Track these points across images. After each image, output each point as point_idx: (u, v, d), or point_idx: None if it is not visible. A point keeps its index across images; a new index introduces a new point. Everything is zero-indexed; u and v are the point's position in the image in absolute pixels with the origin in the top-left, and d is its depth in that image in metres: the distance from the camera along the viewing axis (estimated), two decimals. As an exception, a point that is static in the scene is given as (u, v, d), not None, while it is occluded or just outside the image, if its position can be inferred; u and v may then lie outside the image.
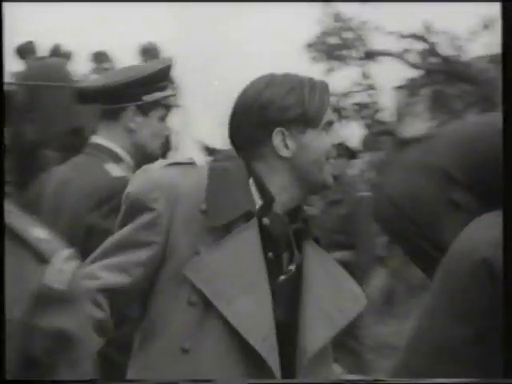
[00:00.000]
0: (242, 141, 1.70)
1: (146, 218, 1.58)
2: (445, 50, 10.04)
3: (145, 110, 2.38)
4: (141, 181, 1.64)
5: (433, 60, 10.08)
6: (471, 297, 1.49)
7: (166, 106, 2.45)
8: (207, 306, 1.54)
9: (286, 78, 1.69)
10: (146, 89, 2.37)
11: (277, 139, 1.65)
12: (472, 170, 2.46)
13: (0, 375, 1.71)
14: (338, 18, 10.87)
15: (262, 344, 1.53)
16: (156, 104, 2.40)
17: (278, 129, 1.65)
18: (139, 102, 2.36)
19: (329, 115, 1.69)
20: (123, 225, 1.63)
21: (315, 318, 1.62)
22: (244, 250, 1.59)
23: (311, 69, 11.07)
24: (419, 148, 2.65)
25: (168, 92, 2.45)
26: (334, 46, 10.95)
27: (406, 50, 10.24)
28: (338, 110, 10.67)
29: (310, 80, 1.70)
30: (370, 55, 10.58)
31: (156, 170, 1.64)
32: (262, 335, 1.54)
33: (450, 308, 1.53)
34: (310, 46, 11.08)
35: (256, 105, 1.66)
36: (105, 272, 1.57)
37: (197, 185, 1.60)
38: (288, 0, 6.29)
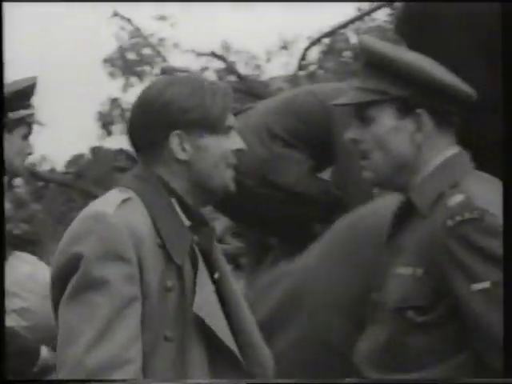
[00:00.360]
0: (141, 142, 1.67)
1: (125, 270, 1.50)
2: (243, 69, 10.19)
3: (9, 127, 2.46)
4: (100, 233, 1.51)
5: (231, 78, 10.19)
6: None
7: (29, 124, 2.53)
8: (181, 339, 1.55)
9: (188, 78, 1.68)
10: (10, 106, 2.44)
11: (174, 142, 1.62)
12: (291, 127, 2.86)
13: (0, 375, 1.70)
14: (135, 33, 10.74)
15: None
16: (20, 122, 2.49)
17: (175, 131, 1.62)
18: (3, 120, 2.40)
19: (230, 120, 1.67)
20: (79, 291, 1.48)
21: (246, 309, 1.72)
22: (203, 274, 1.61)
23: (110, 84, 10.85)
24: (242, 116, 2.89)
25: (32, 110, 2.54)
26: (132, 62, 10.82)
27: (205, 68, 10.31)
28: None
29: (212, 83, 1.69)
30: (168, 71, 10.48)
31: (112, 215, 1.53)
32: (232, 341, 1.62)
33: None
34: (106, 61, 10.87)
35: (156, 104, 1.63)
36: None
37: (144, 217, 1.57)
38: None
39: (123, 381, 1.47)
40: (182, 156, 1.62)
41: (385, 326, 1.66)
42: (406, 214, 1.72)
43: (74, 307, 1.49)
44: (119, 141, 10.73)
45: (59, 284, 1.53)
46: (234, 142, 1.69)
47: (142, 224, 1.55)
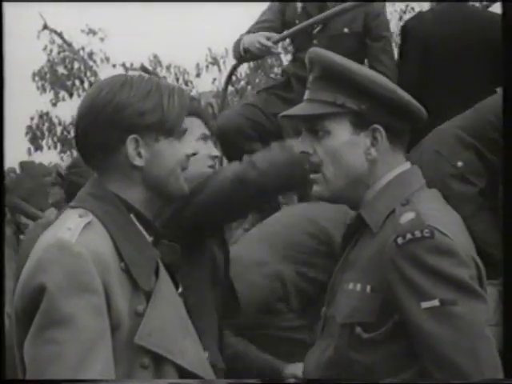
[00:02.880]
0: (91, 147, 1.56)
1: (91, 303, 1.41)
2: (174, 83, 10.21)
3: None
4: (64, 264, 1.42)
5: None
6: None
7: None
8: (158, 365, 1.51)
9: (143, 79, 1.58)
10: None
11: (131, 147, 1.54)
12: None
13: (0, 375, 1.70)
14: (65, 47, 10.66)
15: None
16: None
17: (132, 136, 1.54)
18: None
19: (184, 124, 1.62)
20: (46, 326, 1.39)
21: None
22: (167, 293, 1.57)
23: (39, 99, 10.74)
24: None
25: None
26: (61, 76, 10.72)
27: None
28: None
29: (168, 84, 1.62)
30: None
31: (74, 243, 1.44)
32: (206, 367, 1.60)
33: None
34: (35, 74, 10.76)
35: (110, 107, 1.53)
36: None
37: (106, 241, 1.49)
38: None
39: (120, 381, 1.44)
40: (138, 162, 1.55)
41: (333, 340, 1.65)
42: (356, 229, 1.70)
43: (42, 346, 1.39)
44: (48, 155, 10.63)
45: (24, 318, 1.43)
46: (187, 146, 1.64)
47: (105, 249, 1.47)
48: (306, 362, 1.75)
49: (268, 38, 3.35)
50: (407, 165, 1.71)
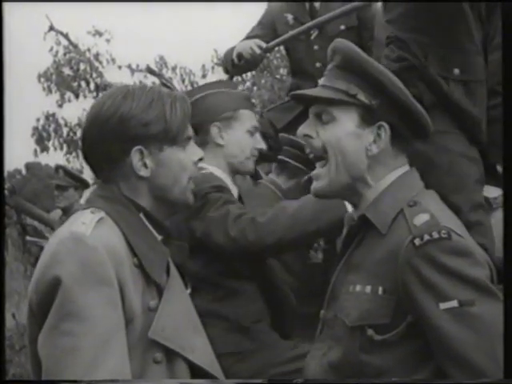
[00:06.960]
0: (99, 160, 1.59)
1: (106, 295, 1.43)
2: (180, 84, 10.20)
3: None
4: (79, 256, 1.43)
5: (167, 94, 10.17)
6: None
7: None
8: (170, 360, 1.52)
9: (144, 89, 1.60)
10: None
11: (135, 158, 1.56)
12: None
13: (0, 375, 1.69)
14: (71, 48, 10.67)
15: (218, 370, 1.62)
16: None
17: (136, 147, 1.55)
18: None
19: (189, 130, 1.62)
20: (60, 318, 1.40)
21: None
22: (178, 291, 1.60)
23: (45, 100, 10.75)
24: None
25: None
26: (67, 77, 10.73)
27: (141, 83, 10.25)
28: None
29: (170, 93, 1.62)
30: (103, 87, 10.49)
31: (89, 236, 1.46)
32: (214, 364, 1.62)
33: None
34: (41, 76, 10.77)
35: (114, 119, 1.55)
36: None
37: (118, 237, 1.51)
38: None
39: (119, 381, 1.41)
40: (143, 172, 1.57)
41: (339, 344, 1.64)
42: (358, 231, 1.69)
43: (58, 338, 1.39)
44: (54, 156, 10.65)
45: (39, 312, 1.44)
46: (193, 152, 1.64)
47: (118, 244, 1.49)
48: (306, 365, 1.73)
49: (260, 47, 3.36)
50: (406, 167, 1.71)
